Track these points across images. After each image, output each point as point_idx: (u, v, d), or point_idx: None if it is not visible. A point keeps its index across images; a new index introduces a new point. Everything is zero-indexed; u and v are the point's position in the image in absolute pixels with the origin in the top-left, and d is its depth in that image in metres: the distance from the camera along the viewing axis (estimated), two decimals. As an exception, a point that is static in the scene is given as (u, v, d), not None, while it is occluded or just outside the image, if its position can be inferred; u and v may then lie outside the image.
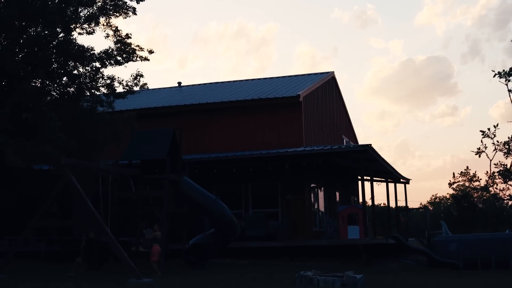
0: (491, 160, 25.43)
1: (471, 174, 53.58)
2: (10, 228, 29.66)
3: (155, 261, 21.79)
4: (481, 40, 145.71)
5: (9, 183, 27.31)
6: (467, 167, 66.78)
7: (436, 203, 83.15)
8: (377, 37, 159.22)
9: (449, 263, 25.36)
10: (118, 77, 28.13)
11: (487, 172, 27.78)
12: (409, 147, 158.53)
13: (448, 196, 76.53)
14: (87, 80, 27.34)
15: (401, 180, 39.38)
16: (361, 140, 49.14)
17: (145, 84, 29.43)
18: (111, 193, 23.57)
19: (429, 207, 73.34)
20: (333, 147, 31.77)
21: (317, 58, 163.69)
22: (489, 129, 24.67)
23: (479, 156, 21.30)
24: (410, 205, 48.20)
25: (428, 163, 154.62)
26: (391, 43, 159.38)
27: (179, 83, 46.03)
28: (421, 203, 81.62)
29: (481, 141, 21.60)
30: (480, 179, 53.09)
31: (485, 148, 25.00)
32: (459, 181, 54.11)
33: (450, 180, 55.12)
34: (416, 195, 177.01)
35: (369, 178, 32.35)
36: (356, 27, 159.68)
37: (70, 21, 26.24)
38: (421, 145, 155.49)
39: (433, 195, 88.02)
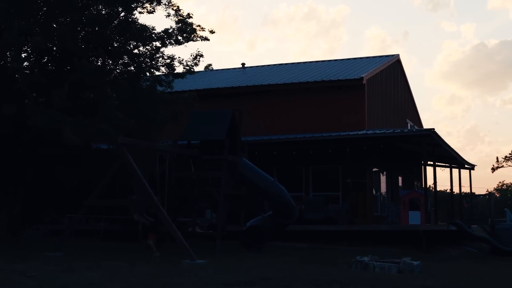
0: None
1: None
2: (71, 206, 29.92)
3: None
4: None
5: (69, 161, 27.47)
6: (512, 151, 64.78)
7: (503, 190, 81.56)
8: (448, 21, 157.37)
9: (513, 251, 24.69)
10: (179, 57, 28.03)
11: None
12: (478, 133, 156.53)
13: (515, 183, 75.10)
14: (147, 60, 27.32)
15: (466, 166, 38.61)
16: (429, 125, 48.78)
17: (210, 64, 29.33)
18: (169, 174, 23.50)
19: (496, 194, 71.99)
20: (395, 131, 31.31)
21: (387, 42, 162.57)
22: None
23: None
24: (477, 192, 47.30)
25: (498, 149, 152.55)
26: (463, 27, 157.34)
27: (243, 64, 45.87)
28: (487, 189, 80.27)
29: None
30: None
31: None
32: (503, 165, 52.95)
33: (493, 165, 53.96)
34: (484, 182, 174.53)
35: (432, 163, 31.77)
36: (427, 10, 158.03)
37: (132, 1, 26.19)
38: (490, 130, 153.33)
39: (500, 182, 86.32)
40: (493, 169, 52.62)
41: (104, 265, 16.37)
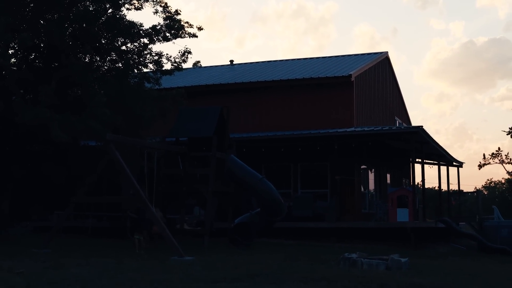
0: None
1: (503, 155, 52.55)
2: (59, 203, 29.80)
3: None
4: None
5: (57, 158, 27.38)
6: (499, 148, 64.80)
7: (491, 187, 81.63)
8: (437, 18, 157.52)
9: (500, 248, 24.76)
10: (167, 54, 27.98)
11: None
12: (466, 130, 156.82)
13: (503, 181, 75.19)
14: (135, 56, 27.24)
15: (454, 163, 38.64)
16: (418, 122, 48.93)
17: (198, 61, 29.33)
18: (157, 170, 23.46)
19: (484, 192, 72.03)
20: (383, 128, 31.28)
21: (376, 39, 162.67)
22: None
23: (511, 136, 20.49)
24: (465, 189, 47.31)
25: (486, 146, 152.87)
26: (452, 25, 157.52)
27: (231, 61, 45.78)
28: (475, 187, 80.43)
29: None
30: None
31: None
32: (490, 162, 53.01)
33: (480, 162, 54.01)
34: (473, 179, 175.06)
35: (420, 160, 31.79)
36: (416, 7, 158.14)
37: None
38: (479, 128, 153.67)
39: (488, 179, 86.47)
40: (480, 166, 52.64)
41: (92, 261, 16.35)
